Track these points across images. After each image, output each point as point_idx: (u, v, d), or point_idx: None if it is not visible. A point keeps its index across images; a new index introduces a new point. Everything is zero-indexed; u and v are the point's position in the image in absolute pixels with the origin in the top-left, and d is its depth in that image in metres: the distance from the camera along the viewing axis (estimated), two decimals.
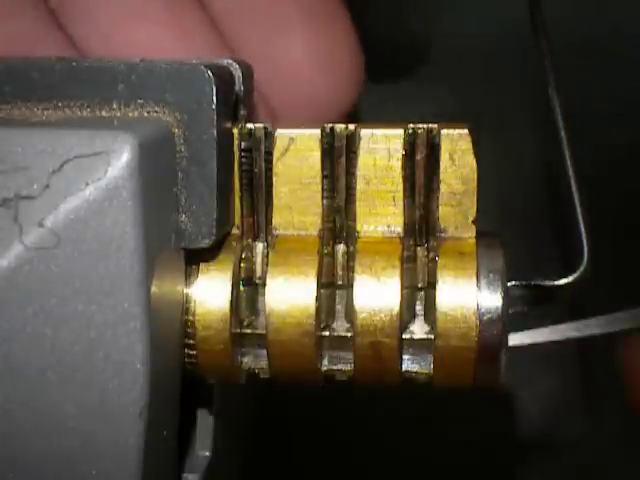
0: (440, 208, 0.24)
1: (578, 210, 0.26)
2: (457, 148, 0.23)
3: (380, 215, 0.24)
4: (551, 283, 0.25)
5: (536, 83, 0.27)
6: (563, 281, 0.25)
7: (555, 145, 0.26)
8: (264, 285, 0.23)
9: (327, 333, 0.24)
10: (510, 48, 0.40)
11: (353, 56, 0.30)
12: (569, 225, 0.26)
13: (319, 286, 0.23)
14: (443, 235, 0.24)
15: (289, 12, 0.29)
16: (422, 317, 0.24)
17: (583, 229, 0.25)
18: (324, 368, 0.24)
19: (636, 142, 0.40)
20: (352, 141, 0.24)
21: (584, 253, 0.25)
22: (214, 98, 0.22)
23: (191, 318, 0.23)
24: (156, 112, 0.22)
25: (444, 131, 0.23)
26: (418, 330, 0.24)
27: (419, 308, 0.24)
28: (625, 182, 0.40)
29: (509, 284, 0.24)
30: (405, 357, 0.24)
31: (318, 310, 0.23)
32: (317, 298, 0.23)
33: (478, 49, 0.42)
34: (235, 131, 0.24)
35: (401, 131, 0.23)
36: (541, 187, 0.40)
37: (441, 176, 0.24)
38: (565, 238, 0.27)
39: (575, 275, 0.25)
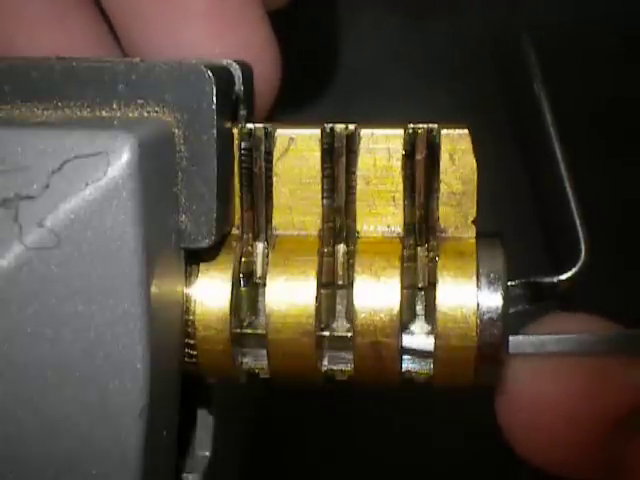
0: (440, 208, 0.24)
1: (572, 203, 0.25)
2: (457, 148, 0.23)
3: (380, 215, 0.24)
4: (551, 279, 0.25)
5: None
6: (563, 276, 0.25)
7: (548, 142, 0.26)
8: (264, 285, 0.23)
9: (327, 333, 0.24)
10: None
11: (265, 59, 0.28)
12: (564, 220, 0.25)
13: (319, 286, 0.23)
14: (443, 235, 0.24)
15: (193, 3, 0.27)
16: (422, 317, 0.24)
17: (578, 221, 0.25)
18: (324, 368, 0.24)
19: (633, 137, 0.40)
20: (352, 141, 0.24)
21: (581, 246, 0.25)
22: (214, 98, 0.22)
23: (191, 318, 0.23)
24: (156, 112, 0.22)
25: (444, 131, 0.23)
26: (418, 330, 0.24)
27: (419, 308, 0.24)
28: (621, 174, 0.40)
29: (509, 283, 0.24)
30: (405, 357, 0.24)
31: (318, 310, 0.23)
32: (317, 298, 0.23)
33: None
34: (235, 131, 0.24)
35: (401, 131, 0.23)
36: (533, 183, 0.40)
37: (441, 176, 0.24)
38: (561, 234, 0.27)
39: (574, 269, 0.25)
